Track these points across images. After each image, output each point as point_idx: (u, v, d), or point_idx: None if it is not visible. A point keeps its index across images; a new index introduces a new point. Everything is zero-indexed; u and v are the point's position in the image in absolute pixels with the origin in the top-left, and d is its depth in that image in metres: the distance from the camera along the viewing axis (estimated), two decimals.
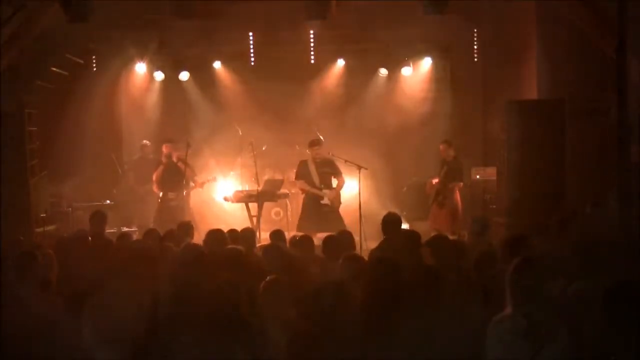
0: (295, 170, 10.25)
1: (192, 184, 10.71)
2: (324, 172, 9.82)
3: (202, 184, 10.75)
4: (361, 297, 4.25)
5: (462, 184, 10.76)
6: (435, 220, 10.67)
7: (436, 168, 10.99)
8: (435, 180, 10.80)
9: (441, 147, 10.80)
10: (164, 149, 10.47)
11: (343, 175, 9.92)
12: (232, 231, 6.87)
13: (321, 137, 10.68)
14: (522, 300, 3.77)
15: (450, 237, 6.82)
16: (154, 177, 10.39)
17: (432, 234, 9.08)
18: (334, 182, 9.92)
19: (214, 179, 11.13)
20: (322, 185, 9.78)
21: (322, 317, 4.13)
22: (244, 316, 4.21)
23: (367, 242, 9.23)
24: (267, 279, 4.52)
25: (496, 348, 3.75)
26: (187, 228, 7.23)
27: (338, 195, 9.83)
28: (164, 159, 10.42)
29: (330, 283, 4.33)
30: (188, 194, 10.63)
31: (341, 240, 6.38)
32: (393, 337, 3.96)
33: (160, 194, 10.35)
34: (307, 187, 9.83)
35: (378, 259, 5.51)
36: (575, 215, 6.93)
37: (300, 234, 7.60)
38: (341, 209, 9.98)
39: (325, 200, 9.70)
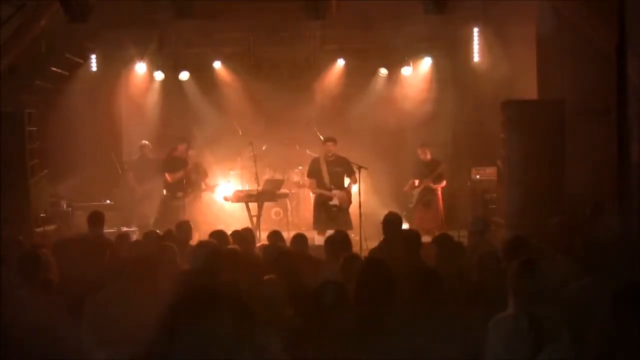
0: (307, 168, 10.30)
1: (203, 186, 10.75)
2: (336, 171, 9.77)
3: (213, 188, 10.82)
4: (353, 297, 4.26)
5: (444, 182, 11.00)
6: (423, 221, 10.77)
7: (416, 169, 11.14)
8: (417, 182, 10.98)
9: (419, 150, 11.08)
10: (187, 151, 10.43)
11: (356, 175, 9.76)
12: (235, 232, 6.90)
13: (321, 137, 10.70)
14: (524, 300, 3.76)
15: None
16: (171, 178, 10.31)
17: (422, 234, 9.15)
18: (347, 181, 9.86)
19: (217, 184, 11.21)
20: (332, 186, 9.74)
21: (321, 316, 4.14)
22: (242, 316, 4.21)
23: (367, 242, 9.23)
24: (262, 279, 4.52)
25: (497, 348, 3.75)
26: (186, 228, 7.23)
27: (348, 196, 9.77)
28: (190, 164, 10.39)
29: (330, 283, 4.34)
30: (199, 196, 10.67)
31: (340, 240, 6.37)
32: (388, 337, 3.96)
33: (164, 191, 10.33)
34: (316, 189, 9.81)
35: (369, 258, 5.52)
36: (575, 215, 6.94)
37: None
38: None
39: (334, 201, 9.68)
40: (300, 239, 6.72)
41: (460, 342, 3.96)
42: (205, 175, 10.77)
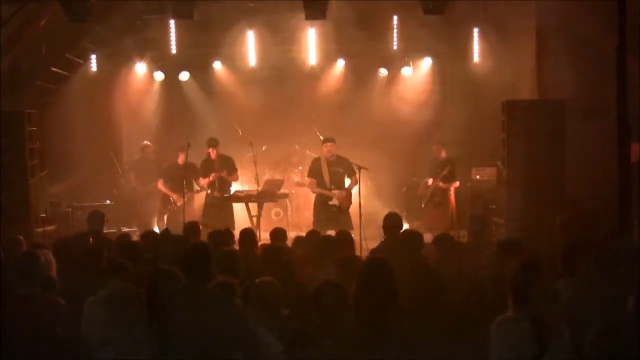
0: (307, 168, 10.30)
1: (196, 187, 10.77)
2: (336, 171, 9.76)
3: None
4: (354, 297, 4.25)
5: (457, 183, 10.94)
6: (431, 220, 10.73)
7: (431, 168, 11.09)
8: (430, 181, 10.91)
9: (434, 147, 10.99)
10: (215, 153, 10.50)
11: (357, 175, 9.76)
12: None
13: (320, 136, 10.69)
14: (525, 300, 3.76)
15: None
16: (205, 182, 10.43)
17: (426, 234, 9.12)
18: (347, 182, 9.86)
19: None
20: (332, 186, 9.74)
21: (320, 317, 4.14)
22: (240, 316, 4.20)
23: (367, 242, 9.22)
24: (258, 280, 4.51)
25: (500, 349, 3.75)
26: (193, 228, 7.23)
27: (348, 196, 9.75)
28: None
29: (329, 283, 4.33)
30: (192, 197, 10.67)
31: (339, 240, 6.38)
32: (389, 338, 3.96)
33: (209, 190, 10.36)
34: (316, 189, 9.81)
35: (370, 259, 5.53)
36: (576, 215, 6.93)
37: (303, 234, 7.60)
38: None
39: (334, 201, 9.68)
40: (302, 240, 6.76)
41: (461, 343, 3.97)
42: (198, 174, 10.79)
